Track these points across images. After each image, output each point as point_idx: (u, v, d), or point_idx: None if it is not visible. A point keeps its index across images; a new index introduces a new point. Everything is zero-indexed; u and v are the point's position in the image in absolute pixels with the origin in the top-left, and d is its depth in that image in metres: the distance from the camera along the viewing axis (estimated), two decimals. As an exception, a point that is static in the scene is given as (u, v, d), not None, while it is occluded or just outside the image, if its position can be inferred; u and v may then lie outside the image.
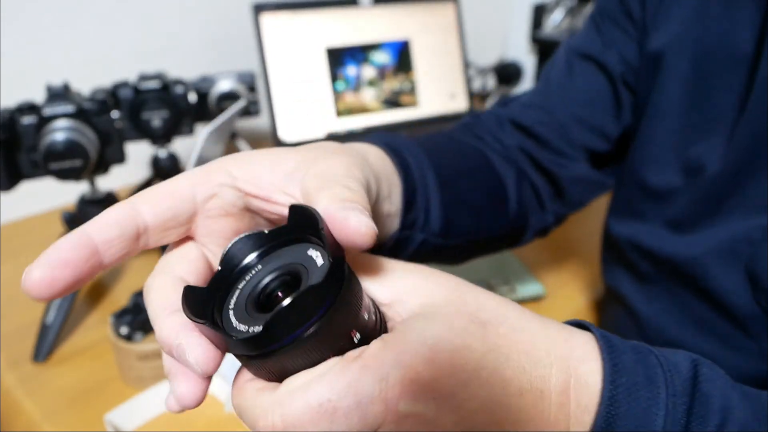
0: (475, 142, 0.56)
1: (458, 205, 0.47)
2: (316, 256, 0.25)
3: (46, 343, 0.62)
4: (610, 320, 0.64)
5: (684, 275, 0.52)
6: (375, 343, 0.23)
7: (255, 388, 0.24)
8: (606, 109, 0.58)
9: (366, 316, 0.25)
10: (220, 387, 0.57)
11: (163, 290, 0.25)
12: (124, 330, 0.57)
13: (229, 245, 0.26)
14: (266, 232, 0.26)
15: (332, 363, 0.23)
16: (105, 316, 0.67)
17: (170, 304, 0.25)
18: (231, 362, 0.58)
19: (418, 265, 0.27)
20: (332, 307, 0.23)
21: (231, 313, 0.25)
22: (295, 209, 0.25)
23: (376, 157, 0.39)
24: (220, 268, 0.26)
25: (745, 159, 0.46)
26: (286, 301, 0.22)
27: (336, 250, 0.23)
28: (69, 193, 0.81)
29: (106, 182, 0.74)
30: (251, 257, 0.26)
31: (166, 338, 0.24)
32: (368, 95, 1.03)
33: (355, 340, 0.24)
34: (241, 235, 0.26)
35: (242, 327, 0.24)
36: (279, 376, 0.24)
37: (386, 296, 0.26)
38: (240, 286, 0.26)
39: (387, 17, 1.03)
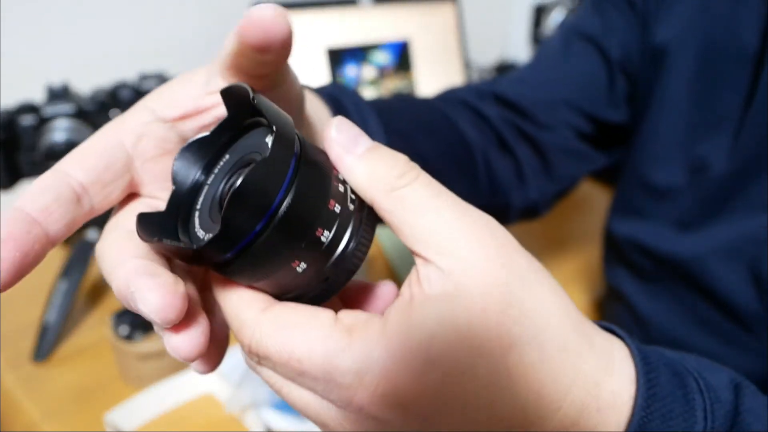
0: (441, 106, 0.52)
1: (407, 148, 0.43)
2: (269, 138, 0.22)
3: (46, 343, 0.62)
4: (612, 320, 0.64)
5: (686, 274, 0.51)
6: (373, 323, 0.21)
7: (247, 296, 0.22)
8: (598, 93, 0.57)
9: (341, 188, 0.22)
10: (220, 387, 0.57)
11: (115, 245, 0.22)
12: (124, 330, 0.57)
13: (174, 161, 0.23)
14: (208, 134, 0.24)
15: (325, 318, 0.21)
16: (105, 316, 0.67)
17: (124, 255, 0.22)
18: (231, 363, 0.58)
19: (490, 230, 0.22)
20: (296, 174, 0.20)
21: (197, 228, 0.22)
22: (226, 92, 0.22)
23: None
24: (173, 187, 0.23)
25: (751, 158, 0.46)
26: (236, 184, 0.19)
27: (279, 120, 0.20)
28: (69, 193, 0.81)
29: (106, 182, 0.74)
30: (201, 167, 0.24)
31: (121, 290, 0.21)
32: (368, 95, 1.03)
33: (337, 210, 0.21)
34: (184, 146, 0.24)
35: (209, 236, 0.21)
36: (269, 278, 0.22)
37: (431, 255, 0.21)
38: (200, 201, 0.23)
39: (387, 17, 1.03)
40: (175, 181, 0.24)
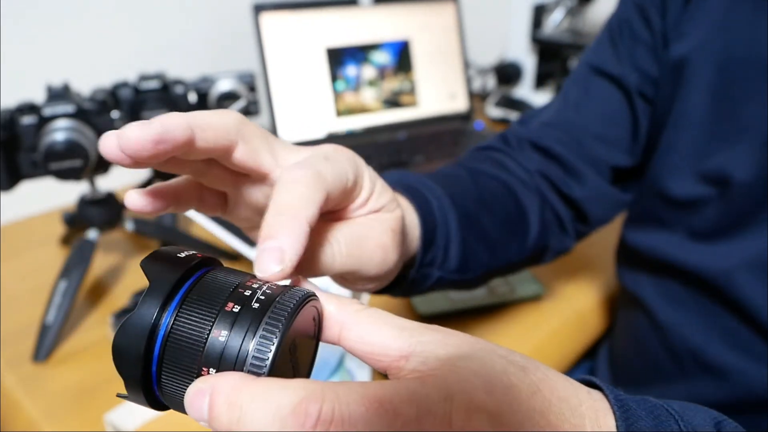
0: (497, 172, 0.55)
1: (477, 241, 0.47)
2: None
3: (46, 343, 0.62)
4: (628, 324, 0.64)
5: (710, 286, 0.51)
6: (432, 362, 0.22)
7: (273, 382, 0.20)
8: (625, 125, 0.58)
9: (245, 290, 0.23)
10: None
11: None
12: (124, 330, 0.57)
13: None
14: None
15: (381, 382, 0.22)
16: (105, 316, 0.67)
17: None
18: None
19: (435, 326, 0.25)
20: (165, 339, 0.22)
21: None
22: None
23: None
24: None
25: None
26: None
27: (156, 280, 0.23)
28: (69, 193, 0.81)
29: (106, 182, 0.74)
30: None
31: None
32: (368, 95, 1.03)
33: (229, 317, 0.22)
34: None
35: None
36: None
37: (404, 347, 0.23)
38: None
39: (387, 17, 1.03)
40: None
